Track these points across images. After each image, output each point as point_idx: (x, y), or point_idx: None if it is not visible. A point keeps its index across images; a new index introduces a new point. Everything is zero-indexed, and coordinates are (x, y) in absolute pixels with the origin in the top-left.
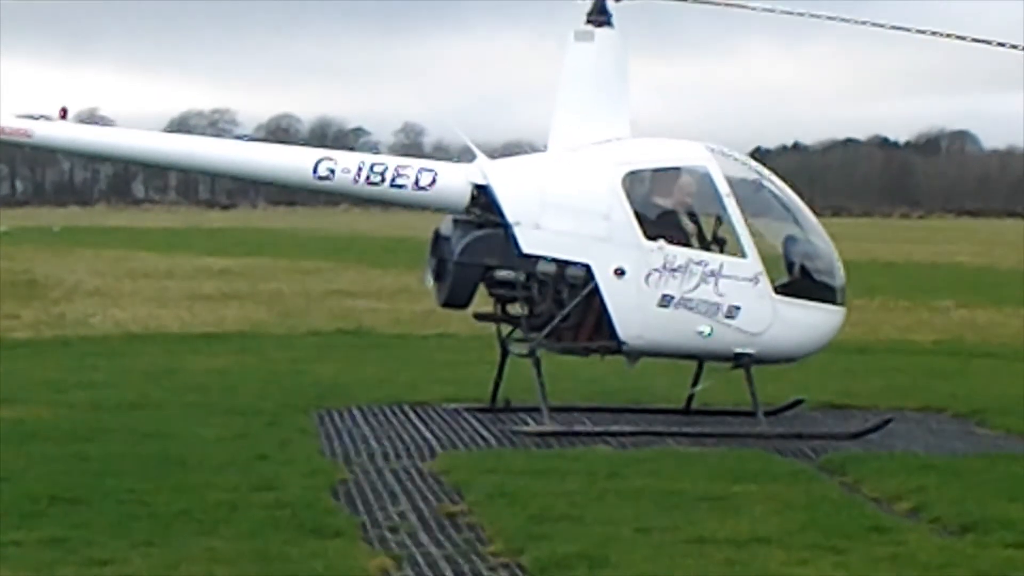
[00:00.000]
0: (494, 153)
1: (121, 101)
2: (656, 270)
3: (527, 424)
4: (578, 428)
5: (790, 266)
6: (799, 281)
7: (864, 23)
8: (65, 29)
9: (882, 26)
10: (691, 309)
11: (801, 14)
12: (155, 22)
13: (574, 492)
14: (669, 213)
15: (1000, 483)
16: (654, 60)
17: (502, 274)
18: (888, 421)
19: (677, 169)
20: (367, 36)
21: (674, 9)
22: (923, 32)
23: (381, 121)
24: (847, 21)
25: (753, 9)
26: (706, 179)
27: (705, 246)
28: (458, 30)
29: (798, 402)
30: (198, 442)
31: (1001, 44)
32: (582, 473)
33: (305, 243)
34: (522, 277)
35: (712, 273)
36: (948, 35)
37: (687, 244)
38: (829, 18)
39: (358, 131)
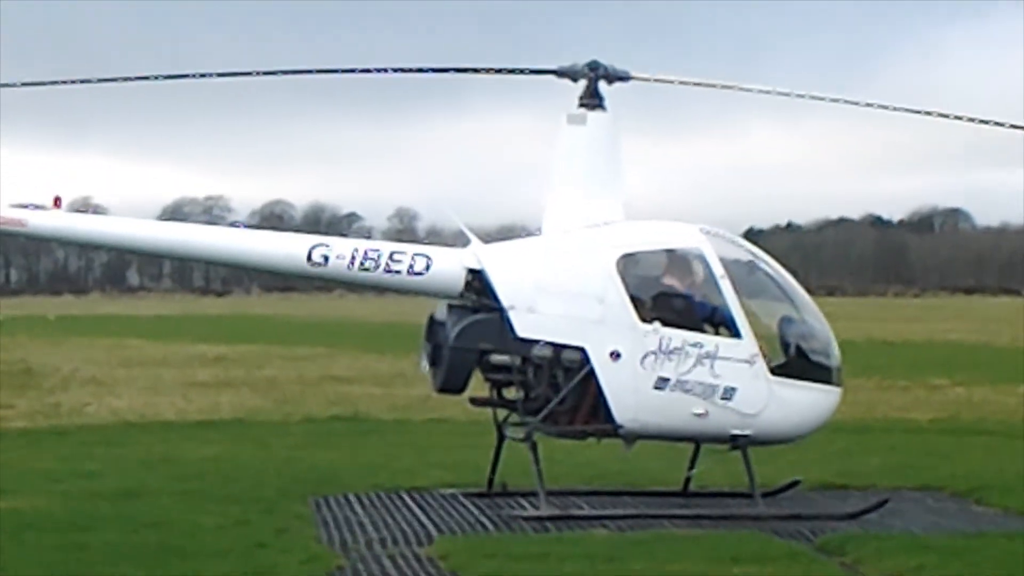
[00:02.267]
0: (488, 236)
1: (115, 189)
2: (651, 352)
3: (524, 508)
4: (575, 512)
5: (785, 347)
6: (795, 361)
7: (858, 103)
8: (59, 116)
9: (872, 106)
10: (687, 391)
11: (786, 94)
12: (148, 109)
13: None
14: (664, 295)
15: (999, 562)
16: (647, 141)
17: (497, 358)
18: (886, 501)
19: (672, 251)
20: (358, 121)
21: (667, 90)
22: (917, 112)
23: (374, 206)
24: (836, 101)
25: (748, 90)
26: (700, 261)
27: (700, 328)
28: (451, 114)
29: (795, 483)
30: (195, 530)
31: (1000, 124)
32: (580, 557)
33: (300, 329)
34: (517, 361)
35: (708, 355)
36: (945, 115)
37: (682, 326)
38: (816, 98)
39: (351, 216)
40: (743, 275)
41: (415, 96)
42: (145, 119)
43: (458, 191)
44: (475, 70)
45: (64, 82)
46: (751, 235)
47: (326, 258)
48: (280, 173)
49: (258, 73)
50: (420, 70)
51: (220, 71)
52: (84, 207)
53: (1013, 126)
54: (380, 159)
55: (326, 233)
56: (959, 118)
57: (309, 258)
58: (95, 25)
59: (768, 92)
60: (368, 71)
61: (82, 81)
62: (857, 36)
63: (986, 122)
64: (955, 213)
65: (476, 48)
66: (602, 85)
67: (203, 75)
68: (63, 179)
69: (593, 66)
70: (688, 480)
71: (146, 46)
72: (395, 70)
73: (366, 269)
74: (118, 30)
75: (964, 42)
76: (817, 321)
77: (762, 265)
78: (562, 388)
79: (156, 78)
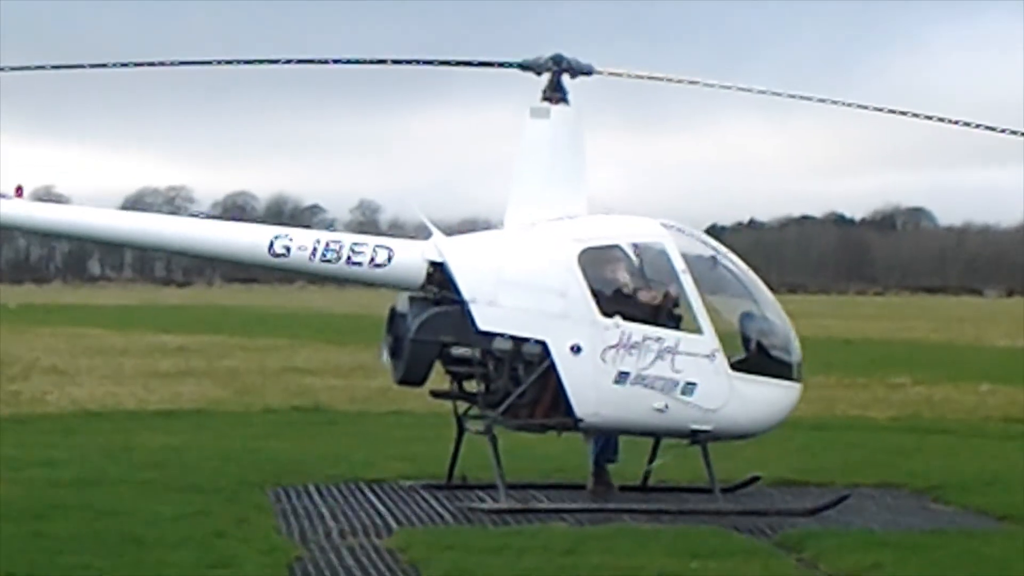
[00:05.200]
0: (451, 230)
1: (77, 178)
2: (612, 347)
3: (483, 501)
4: (535, 505)
5: (746, 342)
6: (755, 357)
7: (824, 101)
8: (21, 105)
9: (848, 105)
10: (647, 386)
11: (748, 89)
12: (111, 98)
13: (531, 569)
14: (625, 289)
15: (957, 559)
16: (611, 136)
17: (458, 351)
18: (845, 497)
19: (634, 246)
20: (322, 113)
21: (634, 85)
22: (894, 112)
23: (337, 198)
24: (808, 99)
25: (711, 85)
26: (662, 256)
27: (661, 322)
28: (417, 107)
29: (755, 479)
30: (155, 519)
31: (979, 125)
32: (539, 550)
33: (261, 320)
34: (478, 354)
35: (668, 349)
36: (928, 116)
37: (643, 320)
38: (777, 95)
39: (314, 208)
40: (705, 270)
41: (381, 88)
42: (108, 108)
43: (422, 184)
44: (439, 62)
45: (24, 68)
46: (713, 231)
47: (288, 249)
48: (243, 164)
49: (221, 62)
50: (382, 61)
51: (182, 60)
52: (46, 196)
53: (989, 128)
54: (344, 151)
55: (289, 225)
56: (943, 120)
57: (271, 249)
58: (57, 14)
59: (730, 88)
60: (332, 62)
61: (37, 67)
62: (843, 35)
63: (969, 124)
64: (918, 212)
65: (447, 41)
66: (566, 79)
67: (164, 63)
68: (25, 168)
69: (557, 60)
70: (647, 475)
71: (109, 35)
72: (359, 61)
73: (327, 260)
74: (81, 19)
75: (953, 42)
76: (778, 317)
77: (724, 261)
78: (523, 381)
79: (117, 66)
